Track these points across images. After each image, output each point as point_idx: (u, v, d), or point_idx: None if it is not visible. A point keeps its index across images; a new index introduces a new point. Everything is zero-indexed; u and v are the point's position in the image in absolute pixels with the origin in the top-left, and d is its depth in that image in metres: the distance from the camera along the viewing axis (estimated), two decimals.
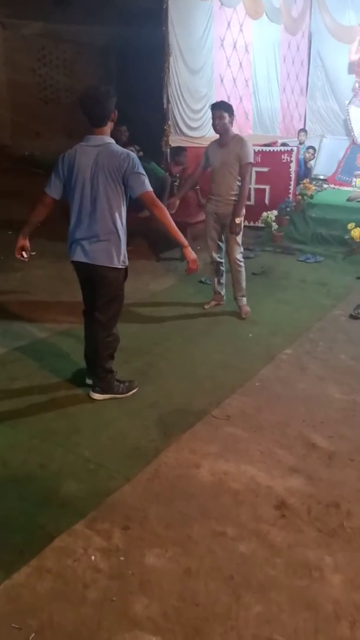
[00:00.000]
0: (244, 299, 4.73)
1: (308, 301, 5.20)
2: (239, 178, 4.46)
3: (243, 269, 4.72)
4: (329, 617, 1.93)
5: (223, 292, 4.95)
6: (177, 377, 3.67)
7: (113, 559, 2.16)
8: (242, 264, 4.70)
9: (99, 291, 3.16)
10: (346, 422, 3.16)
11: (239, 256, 4.67)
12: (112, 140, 3.04)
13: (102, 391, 3.35)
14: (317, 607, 1.96)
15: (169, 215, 3.06)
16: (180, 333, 4.39)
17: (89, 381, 3.46)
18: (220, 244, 4.79)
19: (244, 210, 4.57)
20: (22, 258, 3.29)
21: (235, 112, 4.60)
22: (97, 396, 3.35)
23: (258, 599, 1.99)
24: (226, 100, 8.04)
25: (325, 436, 3.01)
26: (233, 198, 4.51)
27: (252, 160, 4.51)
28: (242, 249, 4.71)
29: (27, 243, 3.26)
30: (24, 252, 3.27)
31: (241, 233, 4.63)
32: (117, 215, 3.03)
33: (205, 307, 4.90)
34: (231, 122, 4.46)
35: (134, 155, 3.01)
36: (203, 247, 6.83)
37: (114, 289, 3.16)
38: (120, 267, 3.13)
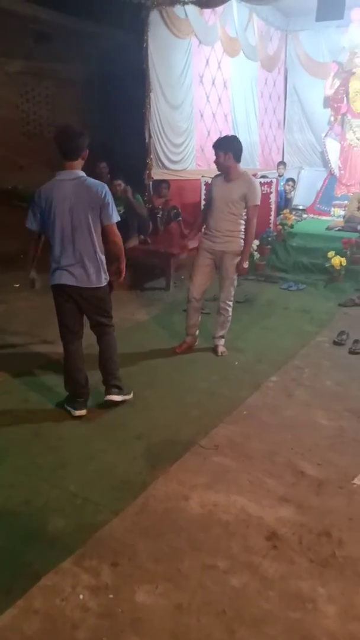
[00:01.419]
0: (223, 340, 4.55)
1: (292, 328, 5.25)
2: (241, 216, 4.27)
3: (230, 313, 4.48)
4: None
5: (197, 333, 4.63)
6: (163, 406, 3.65)
7: (102, 597, 2.10)
8: (230, 305, 4.46)
9: (96, 307, 3.47)
10: (334, 449, 3.16)
11: (231, 297, 4.46)
12: (84, 174, 3.31)
13: (120, 391, 3.60)
14: None
15: (122, 247, 3.47)
16: (165, 362, 4.38)
17: (78, 412, 3.46)
18: (204, 285, 4.49)
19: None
20: (33, 287, 3.72)
21: (238, 147, 4.24)
22: (118, 398, 3.58)
23: (252, 633, 1.94)
24: (205, 134, 8.33)
25: (314, 463, 3.00)
26: (232, 236, 4.28)
27: (259, 203, 4.26)
28: (234, 292, 4.49)
29: (34, 274, 3.70)
30: (35, 282, 3.71)
31: (236, 276, 4.44)
32: (96, 240, 3.33)
33: (177, 350, 4.54)
34: (234, 158, 4.18)
35: (106, 187, 3.33)
36: (187, 277, 6.90)
37: (108, 301, 3.52)
38: (105, 283, 3.44)
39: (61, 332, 3.52)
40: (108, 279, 3.46)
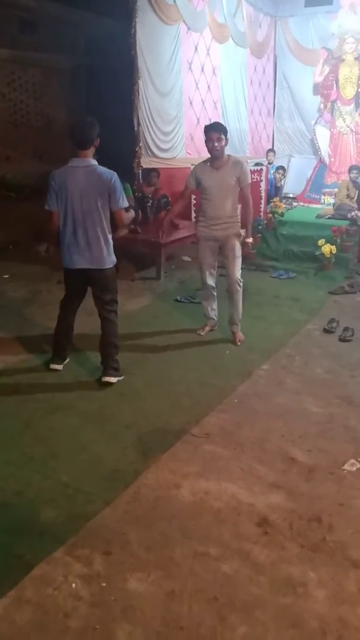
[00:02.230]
0: (239, 325, 4.59)
1: (283, 316, 5.26)
2: (237, 199, 4.38)
3: (241, 294, 4.57)
4: (315, 634, 1.91)
5: (216, 318, 4.79)
6: (154, 396, 3.65)
7: (94, 586, 2.11)
8: (241, 284, 4.56)
9: (103, 288, 3.73)
10: (324, 435, 3.18)
11: (240, 276, 4.52)
12: (96, 162, 3.56)
13: (116, 372, 3.80)
14: (303, 624, 1.95)
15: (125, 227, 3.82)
16: (156, 352, 4.37)
17: (53, 366, 3.93)
18: (214, 270, 4.64)
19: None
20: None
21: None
22: (113, 379, 3.76)
23: (243, 619, 1.96)
24: (195, 122, 8.27)
25: (304, 450, 3.02)
26: (232, 221, 4.38)
27: (250, 181, 4.44)
28: (240, 270, 4.57)
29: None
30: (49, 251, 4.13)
31: (240, 256, 4.51)
32: (105, 224, 3.59)
33: (201, 333, 4.68)
34: (226, 144, 4.28)
35: (116, 174, 3.55)
36: (178, 266, 6.89)
37: (113, 282, 3.77)
38: (112, 265, 3.71)
39: (62, 300, 3.92)
40: (115, 261, 3.72)
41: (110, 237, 3.64)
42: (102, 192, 3.49)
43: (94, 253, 3.60)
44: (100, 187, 3.49)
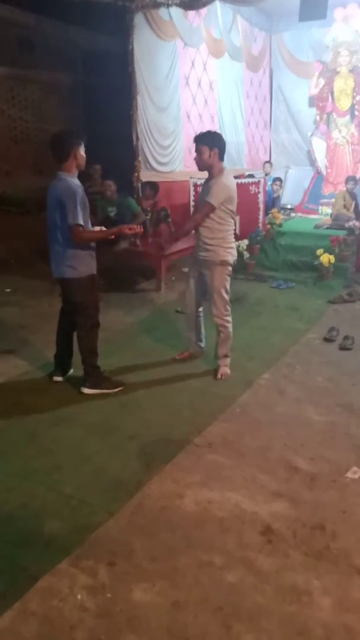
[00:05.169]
0: (227, 359, 4.12)
1: (282, 326, 5.28)
2: (219, 221, 3.84)
3: (229, 328, 4.08)
4: None
5: (203, 344, 4.37)
6: (156, 406, 3.66)
7: (99, 597, 2.11)
8: (227, 320, 4.07)
9: (68, 299, 3.81)
10: (326, 444, 3.19)
11: (224, 311, 4.03)
12: (67, 176, 3.50)
13: (92, 386, 3.81)
14: (308, 632, 1.95)
15: (87, 240, 3.60)
16: (157, 363, 4.39)
17: (56, 378, 4.01)
18: (198, 296, 4.18)
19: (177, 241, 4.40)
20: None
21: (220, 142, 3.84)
22: (87, 391, 3.80)
23: (248, 628, 1.97)
24: (193, 136, 8.30)
25: (307, 458, 3.03)
26: (213, 244, 3.87)
27: (213, 202, 3.75)
28: (225, 303, 4.03)
29: None
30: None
31: (225, 292, 3.99)
32: (61, 236, 3.54)
33: (177, 357, 4.32)
34: (216, 156, 3.78)
35: (74, 189, 3.44)
36: (178, 278, 6.93)
37: (77, 294, 3.70)
38: (78, 277, 3.63)
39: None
40: (83, 275, 3.62)
41: (74, 250, 3.54)
42: (55, 206, 3.48)
43: (55, 263, 3.66)
44: (56, 200, 3.47)
